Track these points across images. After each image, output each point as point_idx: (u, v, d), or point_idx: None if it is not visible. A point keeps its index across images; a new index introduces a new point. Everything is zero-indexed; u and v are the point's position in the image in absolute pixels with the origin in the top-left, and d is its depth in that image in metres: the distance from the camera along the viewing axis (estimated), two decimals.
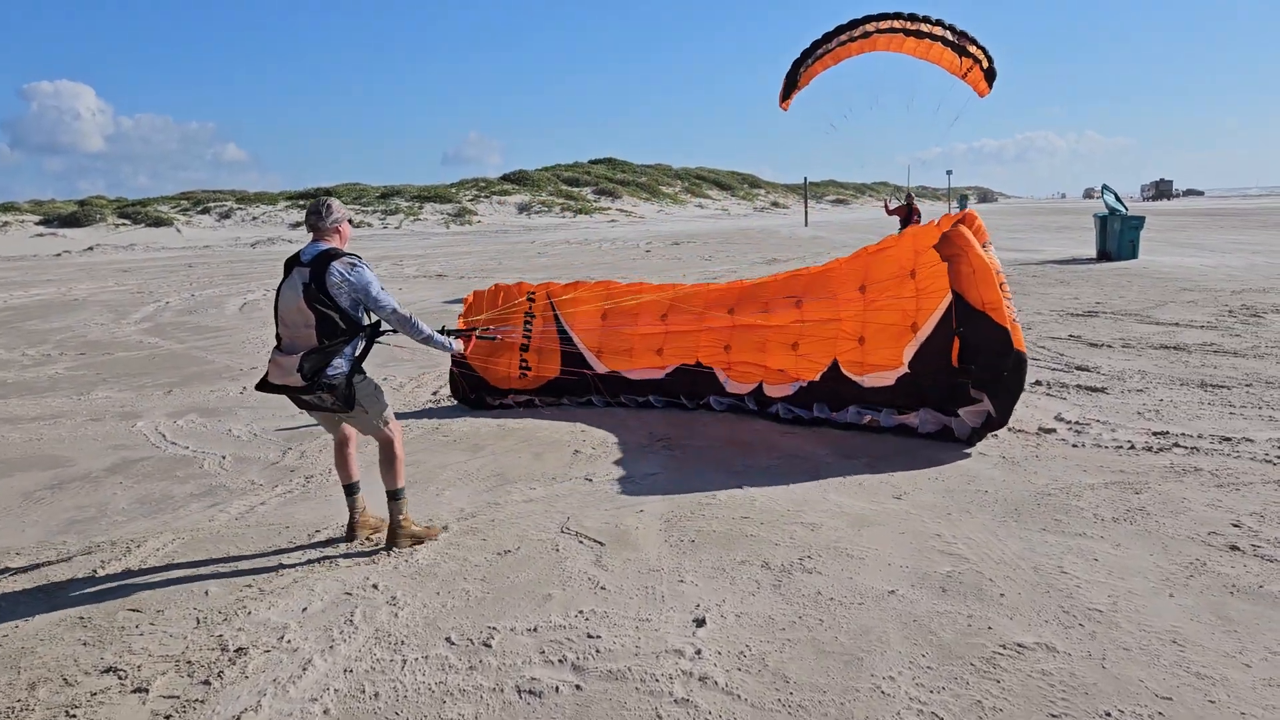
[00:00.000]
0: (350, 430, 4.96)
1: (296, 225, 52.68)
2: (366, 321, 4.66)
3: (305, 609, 4.12)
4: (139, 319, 15.69)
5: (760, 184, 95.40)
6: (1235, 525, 4.74)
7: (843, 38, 17.35)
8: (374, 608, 4.10)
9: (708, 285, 8.28)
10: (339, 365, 4.51)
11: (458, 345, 5.10)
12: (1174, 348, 9.71)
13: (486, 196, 63.58)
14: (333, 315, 4.46)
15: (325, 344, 4.47)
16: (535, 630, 3.84)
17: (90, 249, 41.25)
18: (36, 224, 49.12)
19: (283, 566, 4.63)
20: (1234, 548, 4.46)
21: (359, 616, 4.02)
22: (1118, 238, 21.18)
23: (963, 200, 20.09)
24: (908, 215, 19.61)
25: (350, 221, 4.80)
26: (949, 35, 17.09)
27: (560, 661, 3.57)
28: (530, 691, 3.37)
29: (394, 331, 4.79)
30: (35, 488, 6.17)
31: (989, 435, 6.43)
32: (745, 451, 6.43)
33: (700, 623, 3.86)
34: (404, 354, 10.50)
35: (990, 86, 18.16)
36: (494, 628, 3.87)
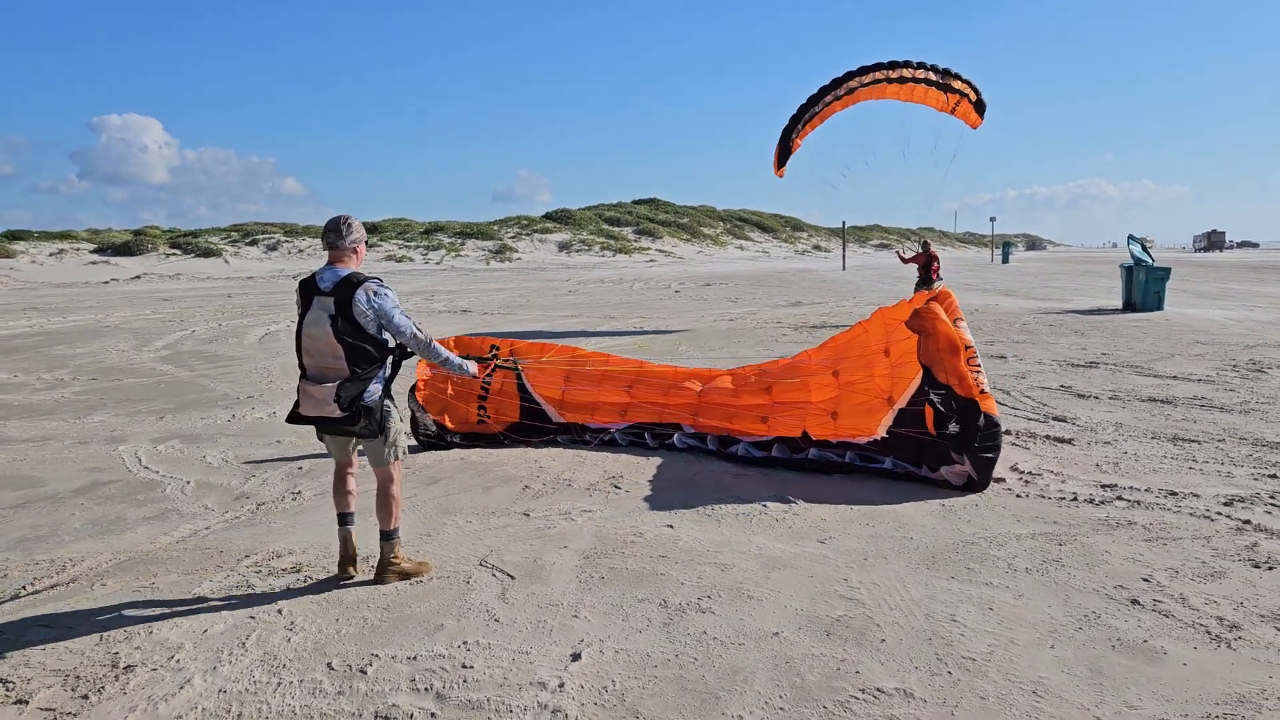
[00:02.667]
0: (354, 460, 4.94)
1: None
2: (391, 343, 4.67)
3: (206, 631, 4.25)
4: (160, 346, 16.13)
5: (803, 227, 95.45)
6: (1146, 580, 4.71)
7: (828, 99, 17.58)
8: (270, 632, 4.23)
9: (674, 368, 8.56)
10: (374, 390, 4.55)
11: (472, 367, 5.11)
12: (1162, 400, 9.61)
13: (528, 234, 64.34)
14: (364, 345, 4.45)
15: (359, 372, 4.46)
16: (414, 659, 3.93)
17: (137, 277, 42.43)
18: (91, 252, 50.57)
19: (201, 589, 4.77)
20: (1135, 601, 4.44)
21: (253, 640, 4.14)
22: (1143, 288, 20.93)
23: (924, 245, 19.47)
24: (927, 262, 19.14)
25: (366, 242, 4.76)
26: (931, 76, 17.20)
27: (426, 690, 3.66)
28: (386, 718, 3.46)
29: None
30: (1, 507, 6.41)
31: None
32: (692, 492, 6.48)
33: (576, 657, 3.93)
34: None
35: (981, 118, 18.17)
36: (376, 655, 3.98)
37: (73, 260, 48.02)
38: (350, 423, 4.49)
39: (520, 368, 8.11)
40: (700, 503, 6.21)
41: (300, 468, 7.34)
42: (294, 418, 4.68)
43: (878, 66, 17.04)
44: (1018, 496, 6.24)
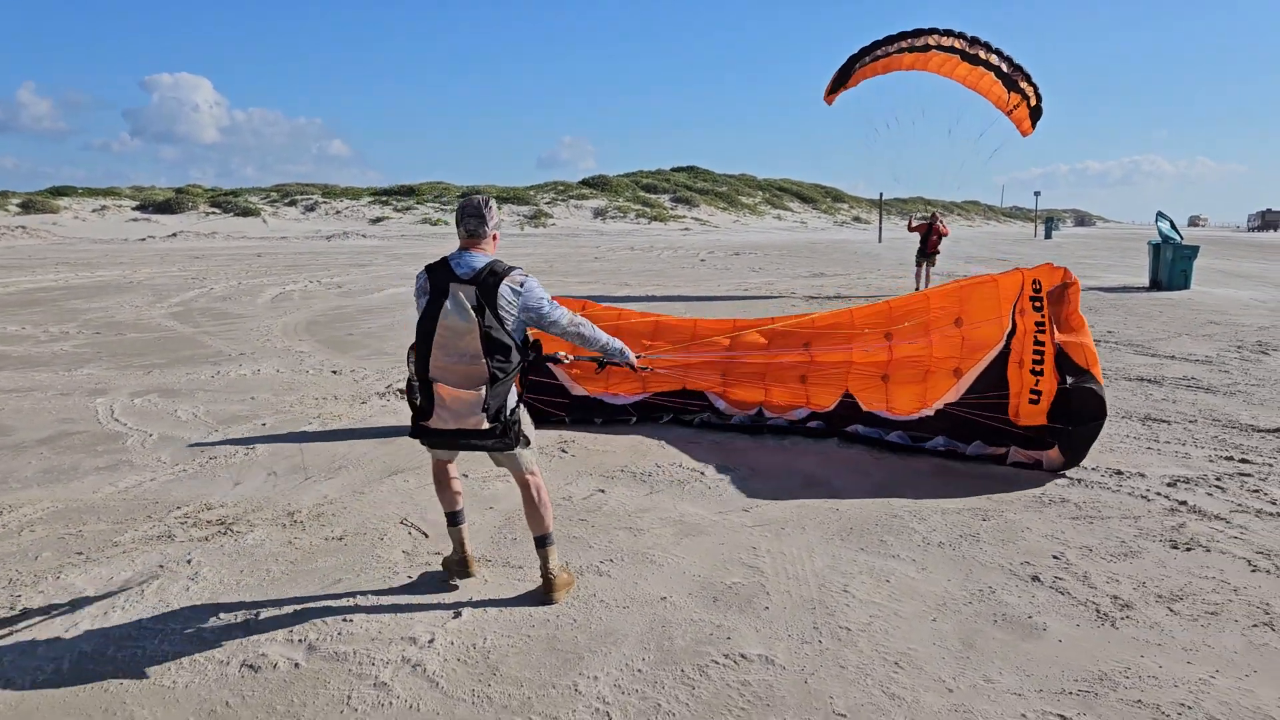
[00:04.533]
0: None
1: (377, 220, 54.16)
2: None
3: (112, 578, 4.37)
4: (175, 303, 16.40)
5: (844, 198, 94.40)
6: (1056, 557, 4.67)
7: (903, 44, 17.17)
8: (173, 581, 4.33)
9: (697, 320, 7.88)
10: (514, 398, 4.03)
11: (633, 355, 4.63)
12: (1150, 380, 9.44)
13: (564, 200, 64.34)
14: (508, 344, 3.88)
15: (500, 376, 3.86)
16: (299, 612, 4.02)
17: (174, 235, 43.07)
18: (134, 209, 51.43)
19: (123, 538, 4.90)
20: (1035, 578, 4.41)
21: (152, 589, 4.25)
22: (1169, 267, 20.48)
23: (932, 216, 19.43)
24: (927, 233, 19.79)
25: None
26: (1003, 66, 16.78)
27: (299, 641, 3.75)
28: (250, 665, 3.55)
29: (557, 354, 4.52)
30: None
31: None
32: (637, 457, 6.51)
33: (457, 614, 4.00)
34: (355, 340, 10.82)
35: (1034, 126, 17.82)
36: (266, 606, 4.07)
37: (115, 217, 48.86)
38: (495, 437, 3.95)
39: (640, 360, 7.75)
40: (640, 468, 6.23)
41: (264, 424, 7.46)
42: (420, 432, 4.02)
43: (961, 35, 16.62)
44: (961, 474, 6.19)
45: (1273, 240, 68.26)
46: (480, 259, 3.95)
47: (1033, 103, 17.19)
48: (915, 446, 6.60)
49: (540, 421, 7.17)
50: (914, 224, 20.51)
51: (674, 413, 7.50)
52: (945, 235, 20.05)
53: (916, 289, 19.06)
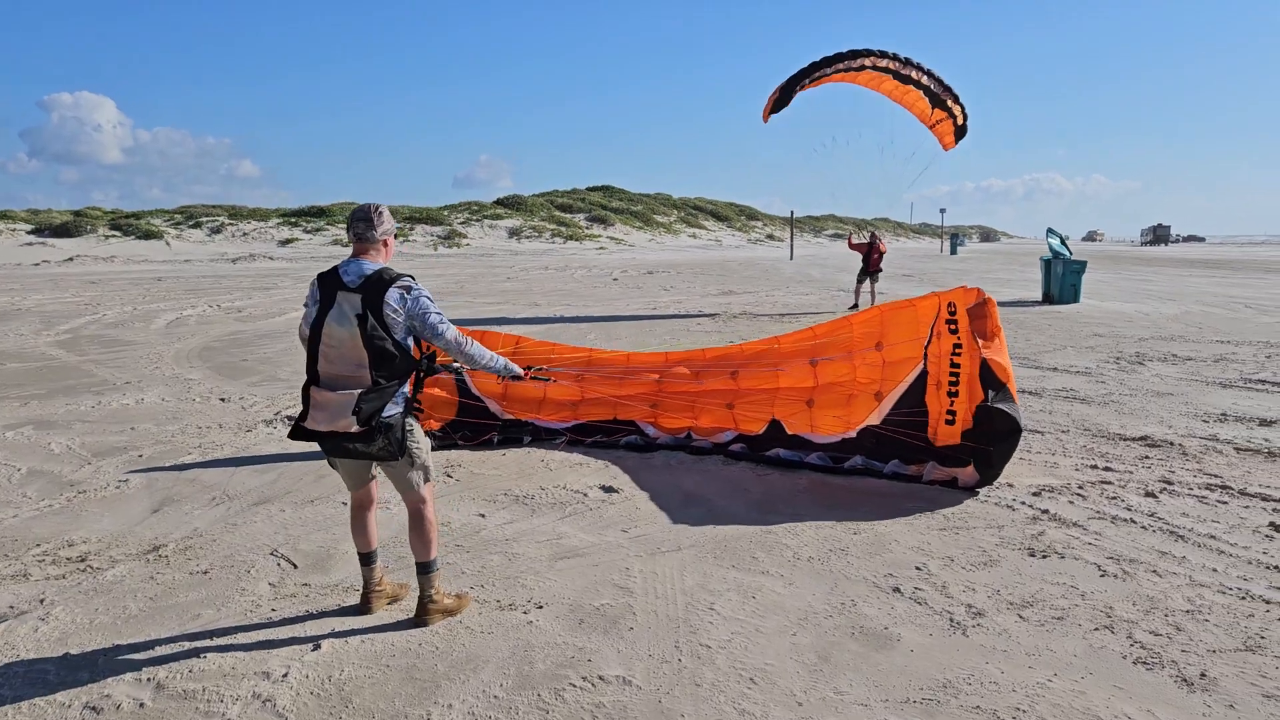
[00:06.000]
0: (374, 491, 4.35)
1: (286, 242, 53.10)
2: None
3: None
4: (64, 330, 15.85)
5: (758, 216, 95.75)
6: (919, 568, 4.80)
7: (840, 65, 17.53)
8: (21, 622, 4.19)
9: (628, 353, 7.95)
10: (395, 405, 3.94)
11: (519, 368, 4.62)
12: (1031, 392, 9.77)
13: (479, 220, 63.94)
14: (392, 352, 3.85)
15: (381, 383, 3.85)
16: (153, 648, 3.92)
17: (71, 259, 41.63)
18: (28, 232, 49.55)
19: None
20: (897, 590, 4.53)
21: None
22: (1060, 281, 21.25)
23: (872, 235, 20.24)
24: (868, 251, 20.16)
25: (395, 235, 4.19)
26: (932, 86, 17.28)
27: (148, 681, 3.65)
28: (92, 708, 3.45)
29: (453, 364, 4.48)
30: None
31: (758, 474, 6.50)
32: (522, 480, 6.50)
33: (317, 647, 3.94)
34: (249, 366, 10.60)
35: (956, 142, 18.37)
36: (118, 644, 3.96)
37: (8, 241, 47.00)
38: (366, 440, 3.89)
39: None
40: (523, 491, 6.22)
41: (141, 455, 7.26)
42: (299, 433, 3.98)
43: (895, 57, 17.05)
44: (838, 488, 6.31)
45: (1162, 254, 71.22)
46: (369, 266, 3.91)
47: (959, 121, 17.75)
48: (834, 467, 6.66)
49: (469, 439, 7.47)
50: (854, 243, 20.94)
51: (604, 433, 7.52)
52: (884, 253, 20.64)
53: (855, 306, 19.49)
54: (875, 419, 6.66)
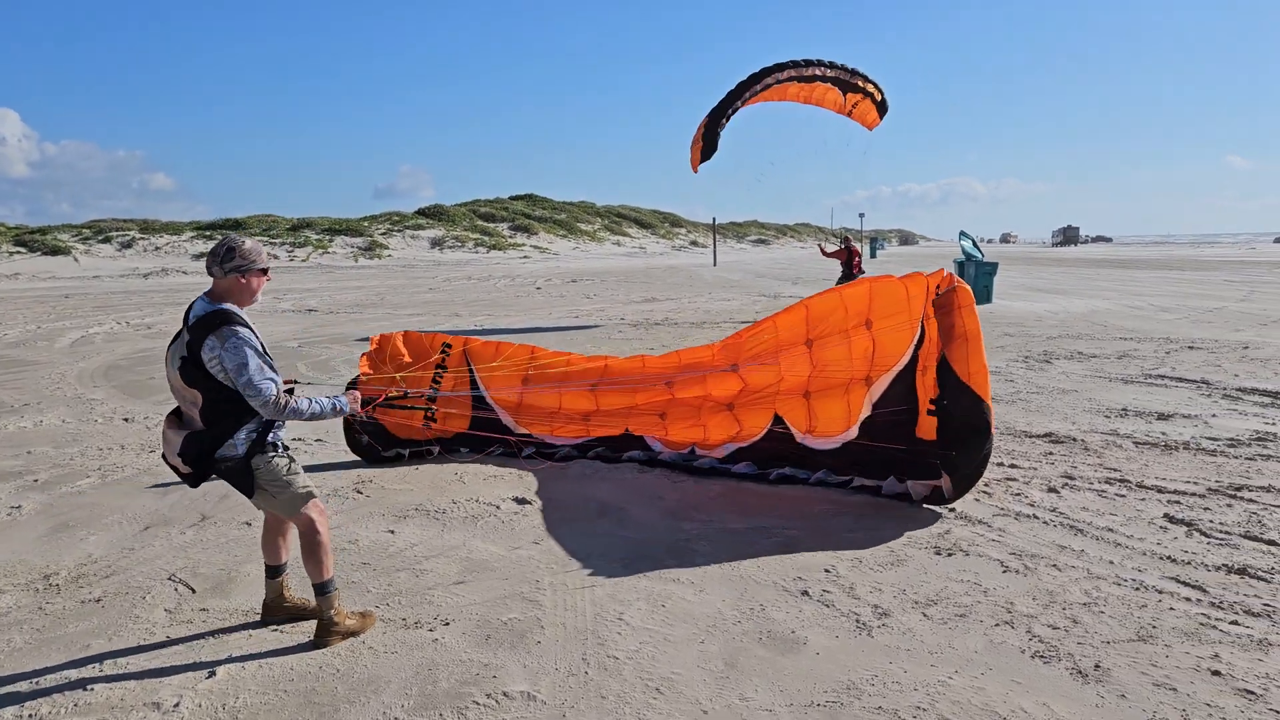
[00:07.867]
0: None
1: (200, 256, 51.77)
2: None
3: None
4: None
5: (682, 223, 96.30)
6: (827, 570, 4.84)
7: (748, 94, 17.57)
8: None
9: (644, 358, 7.62)
10: (233, 448, 3.84)
11: (347, 401, 4.16)
12: None
13: (400, 231, 63.10)
14: (222, 394, 3.74)
15: (212, 426, 3.78)
16: (37, 683, 3.76)
17: None
18: None
19: None
20: (805, 593, 4.56)
21: None
22: (972, 283, 21.69)
23: (845, 240, 20.36)
24: (849, 257, 19.35)
25: (265, 272, 3.95)
26: (842, 75, 17.41)
27: (30, 716, 3.50)
28: None
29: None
30: None
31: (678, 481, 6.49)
32: (435, 494, 6.40)
33: (212, 674, 3.81)
34: None
35: (881, 117, 18.53)
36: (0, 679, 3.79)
37: None
38: (193, 482, 3.91)
39: (473, 368, 7.45)
40: (435, 505, 6.12)
41: (36, 480, 6.98)
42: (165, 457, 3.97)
43: (792, 64, 17.05)
44: (750, 493, 6.34)
45: (1072, 254, 73.48)
46: (211, 308, 3.82)
47: (878, 98, 17.86)
48: (838, 484, 6.36)
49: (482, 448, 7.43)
50: (829, 251, 20.45)
51: (609, 448, 7.32)
52: (861, 255, 19.92)
53: None
54: (867, 410, 6.25)
